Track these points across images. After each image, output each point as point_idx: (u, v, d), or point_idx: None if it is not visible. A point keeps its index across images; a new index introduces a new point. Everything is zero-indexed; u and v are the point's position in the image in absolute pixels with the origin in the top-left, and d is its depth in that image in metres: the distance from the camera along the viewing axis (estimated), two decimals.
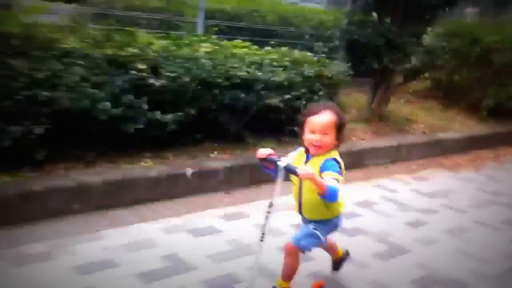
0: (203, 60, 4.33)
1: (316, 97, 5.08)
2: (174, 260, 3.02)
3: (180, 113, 4.14)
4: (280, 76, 4.79)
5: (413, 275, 3.14)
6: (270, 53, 5.05)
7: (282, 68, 4.91)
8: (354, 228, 3.79)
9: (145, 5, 6.52)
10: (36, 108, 3.37)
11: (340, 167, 2.47)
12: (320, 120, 2.49)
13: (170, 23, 6.16)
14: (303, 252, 2.62)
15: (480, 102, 7.59)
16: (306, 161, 2.54)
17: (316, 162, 2.48)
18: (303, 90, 4.98)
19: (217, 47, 4.60)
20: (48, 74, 3.44)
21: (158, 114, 4.01)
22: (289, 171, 2.40)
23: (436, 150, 6.17)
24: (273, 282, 2.72)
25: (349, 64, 5.68)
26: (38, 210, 3.29)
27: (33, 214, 3.26)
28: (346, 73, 5.52)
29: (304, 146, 2.58)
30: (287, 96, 4.89)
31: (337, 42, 6.28)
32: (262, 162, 2.51)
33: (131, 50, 3.96)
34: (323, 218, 2.62)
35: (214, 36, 5.20)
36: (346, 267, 3.08)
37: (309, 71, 5.07)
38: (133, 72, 3.89)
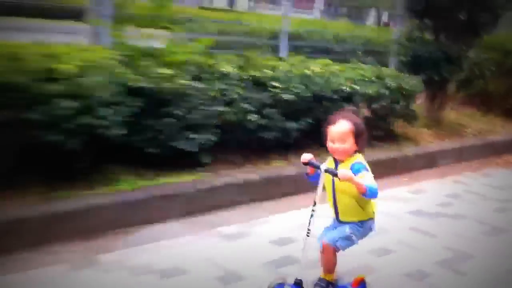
0: (316, 78, 5.17)
1: (397, 106, 5.95)
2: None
3: (302, 122, 4.98)
4: (371, 89, 5.64)
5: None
6: (359, 69, 5.92)
7: (371, 82, 5.77)
8: (455, 213, 4.64)
9: (234, 30, 7.40)
10: (211, 120, 4.20)
11: (367, 168, 2.68)
12: (337, 129, 2.70)
13: (254, 45, 7.02)
14: (337, 251, 2.84)
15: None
16: (336, 167, 2.74)
17: (345, 167, 2.68)
18: (388, 101, 5.85)
19: (325, 66, 5.45)
20: (216, 92, 4.27)
21: (287, 123, 4.85)
22: (330, 173, 2.65)
23: (490, 151, 7.04)
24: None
25: (419, 77, 6.55)
26: (220, 200, 4.11)
27: (215, 204, 4.09)
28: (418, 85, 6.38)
29: (330, 152, 2.78)
30: (375, 106, 5.76)
31: (402, 58, 7.12)
32: (306, 166, 2.76)
33: (267, 71, 4.80)
34: (360, 219, 2.82)
35: (299, 56, 6.03)
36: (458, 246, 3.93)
37: (392, 83, 5.93)
38: (270, 89, 4.73)
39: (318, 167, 2.70)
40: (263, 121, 4.61)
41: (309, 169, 2.77)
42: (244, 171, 4.47)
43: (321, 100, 5.16)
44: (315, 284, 2.87)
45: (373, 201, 2.80)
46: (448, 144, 6.62)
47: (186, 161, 4.21)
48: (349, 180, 2.53)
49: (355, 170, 2.61)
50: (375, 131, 5.80)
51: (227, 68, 4.55)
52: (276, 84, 4.78)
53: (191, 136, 4.08)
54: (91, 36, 4.63)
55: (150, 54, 4.18)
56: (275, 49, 7.02)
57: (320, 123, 2.95)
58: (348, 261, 3.18)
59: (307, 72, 5.24)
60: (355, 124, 2.72)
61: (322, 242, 2.82)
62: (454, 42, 7.07)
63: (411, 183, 5.51)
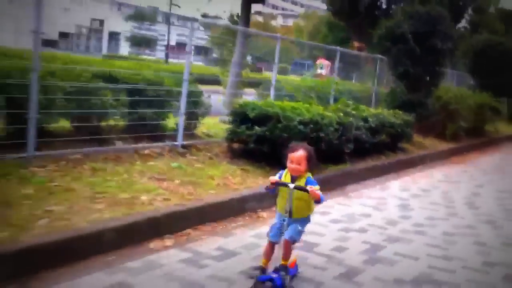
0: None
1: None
2: None
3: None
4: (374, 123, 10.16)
5: None
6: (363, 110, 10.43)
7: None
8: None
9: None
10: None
11: (316, 183, 3.79)
12: (296, 155, 3.80)
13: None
14: (293, 243, 3.91)
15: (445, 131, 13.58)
16: (292, 180, 3.84)
17: (300, 180, 3.83)
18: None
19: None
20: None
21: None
22: (300, 189, 3.73)
23: (445, 156, 11.89)
24: None
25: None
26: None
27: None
28: None
29: (289, 170, 3.87)
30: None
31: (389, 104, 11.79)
32: (273, 185, 3.84)
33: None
34: (305, 216, 3.98)
35: None
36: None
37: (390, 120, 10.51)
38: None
39: (286, 185, 3.78)
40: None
41: (270, 185, 3.87)
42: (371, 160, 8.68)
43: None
44: (280, 268, 3.82)
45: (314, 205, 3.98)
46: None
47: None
48: (314, 192, 3.65)
49: (309, 183, 3.77)
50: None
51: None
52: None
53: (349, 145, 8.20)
54: None
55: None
56: None
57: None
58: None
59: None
60: (308, 152, 3.85)
61: (284, 239, 3.81)
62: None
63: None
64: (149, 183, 5.69)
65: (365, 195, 7.46)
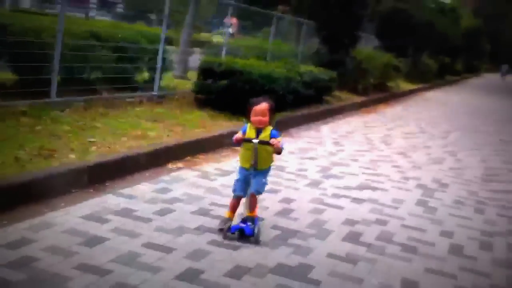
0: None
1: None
2: None
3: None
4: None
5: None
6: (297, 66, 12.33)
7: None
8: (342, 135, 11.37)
9: None
10: None
11: (279, 134, 4.15)
12: (261, 107, 4.05)
13: None
14: (260, 194, 4.28)
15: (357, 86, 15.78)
16: (258, 133, 4.08)
17: (265, 132, 4.10)
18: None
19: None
20: None
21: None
22: (265, 143, 4.03)
23: (359, 107, 14.06)
24: None
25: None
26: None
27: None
28: None
29: (252, 123, 4.11)
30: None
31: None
32: (239, 142, 4.12)
33: None
34: (268, 167, 4.29)
35: None
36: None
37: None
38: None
39: (251, 141, 4.06)
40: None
41: (235, 140, 4.14)
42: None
43: None
44: (246, 219, 4.13)
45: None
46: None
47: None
48: (277, 144, 4.02)
49: (273, 135, 4.07)
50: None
51: None
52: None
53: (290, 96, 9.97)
54: None
55: None
56: None
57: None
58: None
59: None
60: (270, 105, 4.13)
61: (251, 193, 4.15)
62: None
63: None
64: (149, 124, 7.15)
65: (305, 136, 9.32)
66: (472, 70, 56.18)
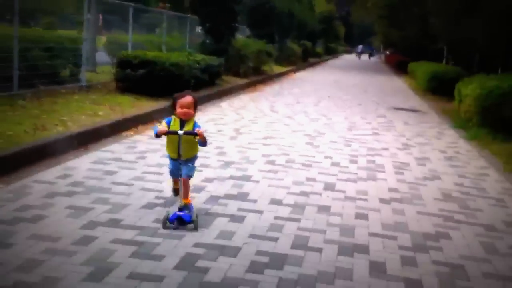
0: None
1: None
2: None
3: None
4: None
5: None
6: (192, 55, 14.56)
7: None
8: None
9: None
10: None
11: (200, 126, 4.42)
12: (187, 100, 4.35)
13: None
14: (191, 178, 4.53)
15: (239, 70, 18.23)
16: (182, 124, 4.35)
17: (189, 124, 4.38)
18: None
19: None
20: None
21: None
22: (189, 134, 4.28)
23: (243, 88, 16.52)
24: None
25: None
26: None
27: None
28: None
29: (176, 115, 4.36)
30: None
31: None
32: (164, 134, 4.33)
33: None
34: (193, 155, 4.58)
35: None
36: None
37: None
38: None
39: (176, 133, 4.29)
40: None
41: (158, 132, 4.32)
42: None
43: None
44: (183, 207, 4.35)
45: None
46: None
47: None
48: (202, 135, 4.31)
49: (196, 126, 4.37)
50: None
51: None
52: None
53: (193, 80, 12.12)
54: None
55: None
56: None
57: None
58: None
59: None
60: (194, 98, 4.48)
61: (182, 178, 4.38)
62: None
63: None
64: (94, 106, 8.94)
65: (211, 110, 11.46)
66: (330, 52, 61.74)
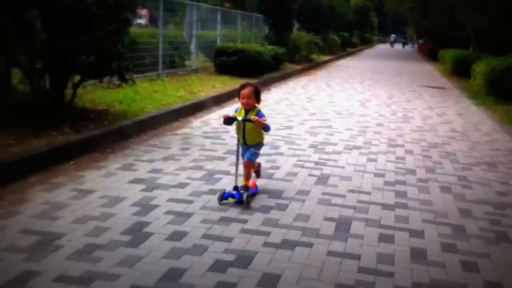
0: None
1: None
2: None
3: None
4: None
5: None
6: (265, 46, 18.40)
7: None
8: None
9: None
10: None
11: (264, 114, 4.69)
12: (246, 91, 4.64)
13: None
14: (252, 162, 4.80)
15: (294, 58, 21.98)
16: (246, 113, 4.66)
17: (252, 113, 4.67)
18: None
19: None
20: None
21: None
22: (248, 121, 4.54)
23: (300, 72, 20.28)
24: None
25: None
26: None
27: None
28: None
29: (241, 105, 4.72)
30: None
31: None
32: (227, 120, 4.62)
33: None
34: (258, 142, 4.84)
35: None
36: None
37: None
38: None
39: (236, 119, 4.62)
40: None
41: (223, 117, 4.66)
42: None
43: None
44: (241, 188, 4.63)
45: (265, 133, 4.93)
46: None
47: None
48: (259, 121, 4.53)
49: (259, 115, 4.63)
50: None
51: None
52: None
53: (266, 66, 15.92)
54: None
55: None
56: None
57: None
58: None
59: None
60: (254, 88, 4.72)
61: (244, 161, 4.74)
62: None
63: None
64: (209, 82, 12.87)
65: (282, 87, 15.26)
66: (365, 42, 64.87)
